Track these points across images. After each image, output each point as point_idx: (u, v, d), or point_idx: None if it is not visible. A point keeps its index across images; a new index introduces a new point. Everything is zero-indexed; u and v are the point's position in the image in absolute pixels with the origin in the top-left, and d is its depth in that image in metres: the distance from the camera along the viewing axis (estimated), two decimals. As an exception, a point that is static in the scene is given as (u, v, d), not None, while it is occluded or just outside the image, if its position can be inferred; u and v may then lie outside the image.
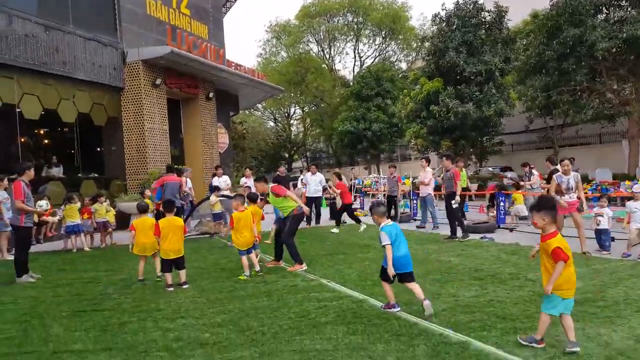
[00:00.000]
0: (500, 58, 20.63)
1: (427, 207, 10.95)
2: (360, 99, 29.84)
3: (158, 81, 13.88)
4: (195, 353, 3.44)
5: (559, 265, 3.18)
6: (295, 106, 43.31)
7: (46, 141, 13.71)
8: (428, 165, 11.10)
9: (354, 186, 20.69)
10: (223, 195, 10.41)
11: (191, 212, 10.50)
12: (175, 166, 11.98)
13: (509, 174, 16.61)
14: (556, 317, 3.27)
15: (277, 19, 60.63)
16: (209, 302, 4.87)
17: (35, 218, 8.55)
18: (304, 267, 6.34)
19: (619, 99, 18.23)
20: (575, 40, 16.53)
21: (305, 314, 4.27)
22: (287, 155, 43.94)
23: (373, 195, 20.08)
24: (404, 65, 38.34)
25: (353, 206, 11.23)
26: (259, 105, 38.90)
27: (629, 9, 16.79)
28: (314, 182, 11.47)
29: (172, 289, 5.45)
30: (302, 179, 12.59)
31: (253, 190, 8.98)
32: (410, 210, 13.39)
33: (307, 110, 41.73)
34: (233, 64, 17.49)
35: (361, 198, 18.59)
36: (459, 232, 8.66)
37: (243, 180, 11.79)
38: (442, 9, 22.05)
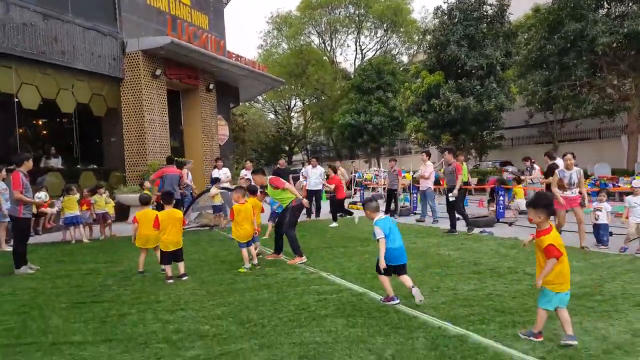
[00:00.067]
0: (502, 52, 20.53)
1: (427, 201, 10.97)
2: (361, 92, 29.71)
3: (158, 72, 13.80)
4: (195, 345, 3.45)
5: (550, 261, 3.23)
6: (295, 98, 43.10)
7: (45, 132, 13.65)
8: (428, 159, 11.10)
9: (354, 179, 20.67)
10: (223, 188, 10.40)
11: (191, 204, 10.49)
12: (177, 158, 11.95)
13: (509, 168, 16.58)
14: (554, 312, 3.30)
15: (278, 10, 60.31)
16: (209, 294, 4.88)
17: (34, 209, 8.53)
18: (304, 259, 6.36)
19: (619, 94, 18.19)
20: (576, 34, 16.46)
21: (305, 306, 4.29)
22: (287, 148, 43.79)
23: (373, 189, 20.08)
24: (405, 59, 38.17)
25: (353, 200, 11.29)
26: (260, 98, 38.72)
27: (630, 4, 16.67)
28: (314, 176, 11.45)
29: (172, 281, 5.46)
30: (303, 172, 12.58)
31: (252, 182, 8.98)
32: (410, 204, 13.41)
33: (307, 103, 41.56)
34: (234, 55, 17.38)
35: (361, 191, 18.59)
36: (458, 226, 8.67)
37: (243, 172, 11.78)
38: (444, 2, 21.87)
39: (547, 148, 19.46)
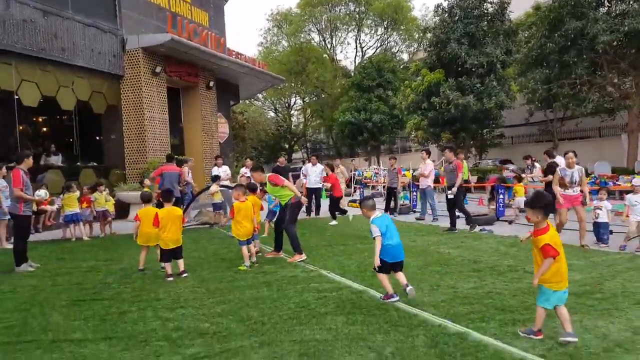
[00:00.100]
0: (502, 50, 20.49)
1: (427, 199, 10.97)
2: (361, 90, 29.69)
3: (158, 69, 13.79)
4: (195, 342, 3.45)
5: (546, 261, 3.24)
6: (295, 96, 43.07)
7: (45, 129, 13.64)
8: (428, 158, 11.10)
9: (354, 178, 20.67)
10: (223, 186, 10.40)
11: (191, 202, 10.50)
12: (177, 156, 11.94)
13: (510, 167, 16.59)
14: (553, 310, 3.30)
15: (279, 7, 60.36)
16: (209, 292, 4.88)
17: (34, 207, 8.53)
18: (304, 257, 6.36)
19: (619, 92, 18.17)
20: (577, 33, 16.44)
21: (305, 304, 4.29)
22: (287, 146, 43.77)
23: (373, 187, 20.09)
24: (405, 56, 38.12)
25: (353, 198, 11.29)
26: (260, 95, 38.69)
27: (631, 2, 16.65)
28: (314, 173, 11.44)
29: (172, 278, 5.47)
30: (303, 171, 12.57)
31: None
32: (410, 202, 13.41)
33: (307, 101, 41.52)
34: (234, 53, 17.35)
35: (361, 190, 18.60)
36: (458, 224, 8.67)
37: (243, 170, 11.78)
38: (445, 0, 21.87)
39: (548, 146, 19.47)
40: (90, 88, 12.82)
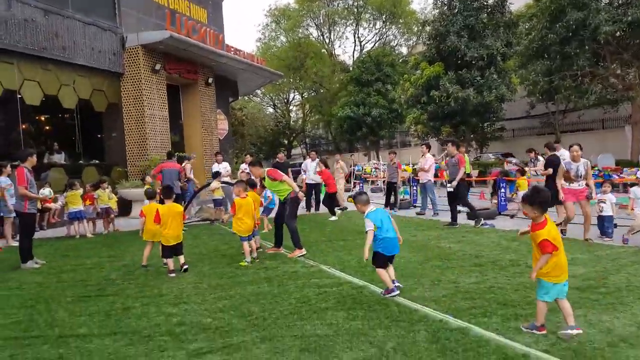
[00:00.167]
0: (502, 42, 20.36)
1: (427, 194, 10.96)
2: (360, 84, 29.56)
3: (157, 66, 13.79)
4: (197, 337, 3.49)
5: (544, 256, 3.23)
6: (294, 92, 42.94)
7: (47, 127, 13.67)
8: (428, 152, 11.08)
9: (354, 173, 20.65)
10: (224, 182, 10.43)
11: (192, 199, 10.53)
12: (178, 153, 11.97)
13: (513, 160, 16.54)
14: (556, 303, 3.29)
15: (277, 2, 59.99)
16: (211, 287, 4.92)
17: (39, 205, 8.59)
18: (304, 252, 6.39)
19: (622, 83, 18.06)
20: (579, 23, 16.29)
21: (305, 299, 4.31)
22: (286, 141, 43.72)
23: (373, 182, 20.08)
24: (404, 50, 37.89)
25: (352, 193, 11.20)
26: (258, 91, 38.58)
27: (634, -8, 16.52)
28: (313, 169, 11.46)
29: (174, 274, 5.51)
30: (303, 167, 12.57)
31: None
32: (410, 197, 13.42)
33: (306, 96, 41.41)
34: (232, 49, 17.32)
35: (361, 185, 18.59)
36: (459, 219, 8.66)
37: (243, 166, 11.80)
38: (444, -8, 21.71)
39: (549, 139, 19.40)
40: (91, 86, 12.84)
